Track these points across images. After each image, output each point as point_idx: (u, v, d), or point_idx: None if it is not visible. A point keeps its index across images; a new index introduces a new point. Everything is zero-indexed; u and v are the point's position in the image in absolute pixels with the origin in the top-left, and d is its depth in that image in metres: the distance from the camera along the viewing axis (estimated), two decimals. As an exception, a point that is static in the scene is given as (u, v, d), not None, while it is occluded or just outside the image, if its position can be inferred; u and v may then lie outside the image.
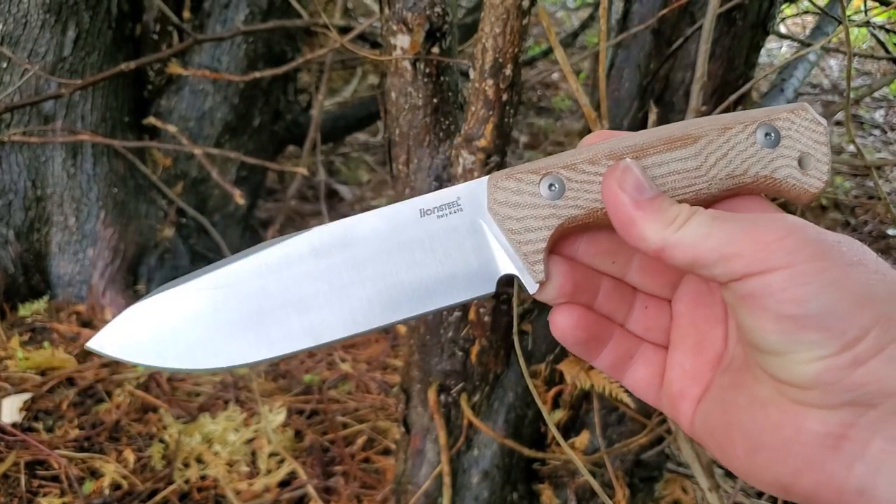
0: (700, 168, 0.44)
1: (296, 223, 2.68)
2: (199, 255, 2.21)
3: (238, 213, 2.35)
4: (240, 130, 2.26)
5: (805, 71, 2.08)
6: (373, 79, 3.53)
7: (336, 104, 3.27)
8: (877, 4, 1.92)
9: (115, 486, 1.48)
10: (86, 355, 1.82)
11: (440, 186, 1.05)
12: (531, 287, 0.45)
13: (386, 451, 1.63)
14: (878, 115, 4.07)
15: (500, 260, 0.46)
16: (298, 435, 1.66)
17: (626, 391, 1.11)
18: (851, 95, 1.02)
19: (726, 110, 1.03)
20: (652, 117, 1.02)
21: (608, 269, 0.48)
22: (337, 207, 2.85)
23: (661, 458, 1.35)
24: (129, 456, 1.54)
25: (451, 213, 0.47)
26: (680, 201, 0.42)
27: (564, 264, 0.46)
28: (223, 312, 0.45)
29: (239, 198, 1.72)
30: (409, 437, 1.23)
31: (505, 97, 0.91)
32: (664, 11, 1.15)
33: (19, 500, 1.42)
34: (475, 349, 1.15)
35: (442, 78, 1.01)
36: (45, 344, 1.84)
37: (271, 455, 1.58)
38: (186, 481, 1.50)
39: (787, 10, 2.63)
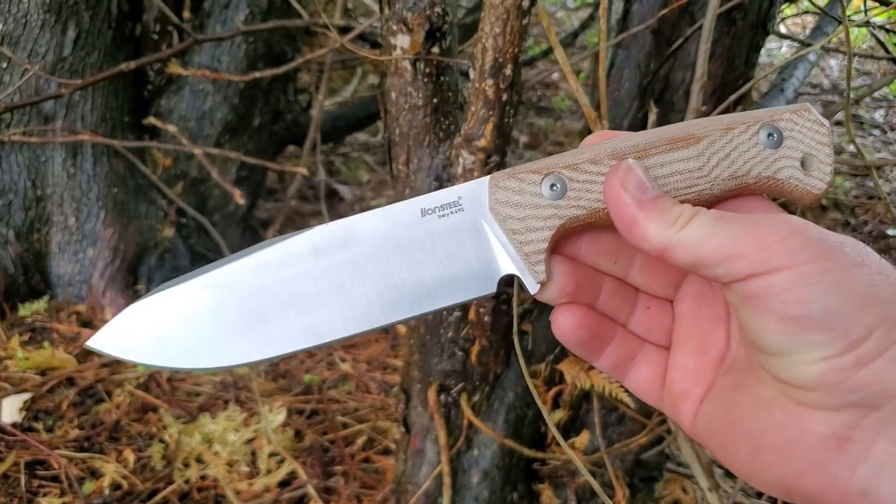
0: (702, 168, 0.44)
1: (296, 223, 2.68)
2: (199, 255, 2.20)
3: (238, 213, 2.35)
4: (240, 130, 2.26)
5: (805, 71, 2.08)
6: (373, 79, 3.53)
7: (336, 104, 3.27)
8: (877, 4, 1.92)
9: (115, 486, 1.48)
10: (86, 355, 1.82)
11: (440, 186, 1.05)
12: (532, 287, 0.45)
13: (386, 451, 1.63)
14: (878, 115, 4.07)
15: (502, 260, 0.46)
16: (298, 435, 1.66)
17: (626, 391, 1.11)
18: (851, 95, 1.02)
19: (726, 110, 1.03)
20: (652, 117, 1.02)
21: (610, 269, 0.48)
22: (337, 207, 2.85)
23: (661, 458, 1.35)
24: (129, 456, 1.54)
25: (452, 212, 0.46)
26: (682, 202, 0.42)
27: (566, 264, 0.46)
28: (223, 312, 0.45)
29: (239, 198, 1.72)
30: (409, 437, 1.23)
31: (505, 97, 0.91)
32: (664, 11, 1.15)
33: (19, 500, 1.42)
34: (475, 349, 1.15)
35: (442, 78, 1.01)
36: (45, 344, 1.84)
37: (271, 455, 1.58)
38: (186, 481, 1.50)
39: (787, 10, 2.63)
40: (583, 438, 1.26)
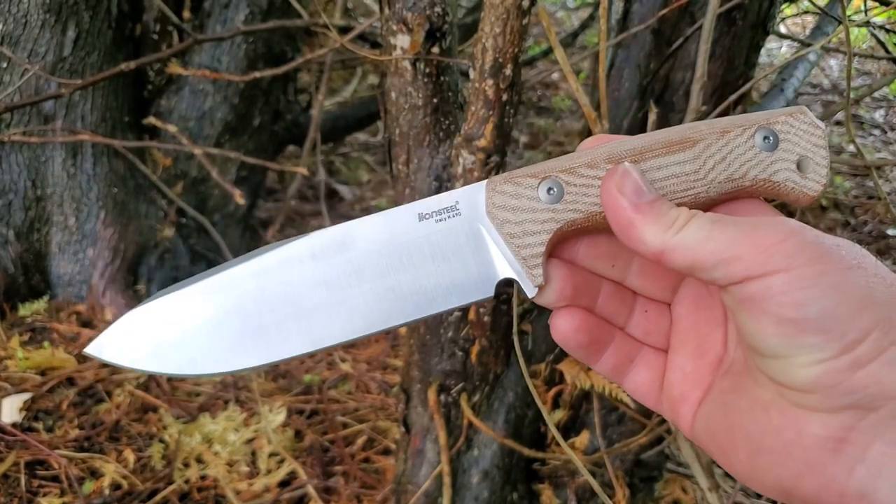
0: (699, 171, 0.44)
1: (296, 223, 2.68)
2: (199, 255, 2.20)
3: (238, 213, 2.35)
4: (240, 130, 2.26)
5: (805, 71, 2.09)
6: (373, 79, 3.53)
7: (336, 104, 3.27)
8: (877, 4, 1.92)
9: (115, 486, 1.48)
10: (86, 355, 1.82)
11: (440, 186, 1.05)
12: (530, 291, 0.45)
13: (386, 451, 1.63)
14: (878, 115, 4.07)
15: (499, 264, 0.46)
16: (298, 435, 1.66)
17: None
18: (851, 95, 1.02)
19: (726, 110, 1.03)
20: (652, 117, 1.02)
21: (608, 272, 0.48)
22: (337, 207, 2.85)
23: (661, 458, 1.35)
24: (129, 456, 1.54)
25: (449, 217, 0.46)
26: (679, 205, 0.42)
27: (564, 268, 0.46)
28: (222, 317, 0.45)
29: (239, 198, 1.72)
30: (409, 437, 1.23)
31: (505, 97, 0.91)
32: (664, 11, 1.15)
33: (19, 500, 1.42)
34: (475, 349, 1.15)
35: (442, 78, 1.01)
36: (45, 344, 1.84)
37: (271, 455, 1.58)
38: (186, 481, 1.50)
39: (787, 10, 2.63)
40: (583, 438, 1.26)
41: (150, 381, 1.78)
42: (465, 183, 0.98)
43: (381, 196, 3.01)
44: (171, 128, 1.98)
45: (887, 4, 1.69)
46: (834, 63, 4.66)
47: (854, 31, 3.32)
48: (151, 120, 2.11)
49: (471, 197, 0.46)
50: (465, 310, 1.11)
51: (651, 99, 1.20)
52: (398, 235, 0.46)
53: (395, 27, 0.98)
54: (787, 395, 0.38)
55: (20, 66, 1.87)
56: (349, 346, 1.98)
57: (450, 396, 1.18)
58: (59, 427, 1.61)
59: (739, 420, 0.41)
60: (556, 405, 1.26)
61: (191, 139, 2.04)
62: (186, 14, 2.15)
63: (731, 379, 0.44)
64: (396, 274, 0.46)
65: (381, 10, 1.01)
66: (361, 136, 3.46)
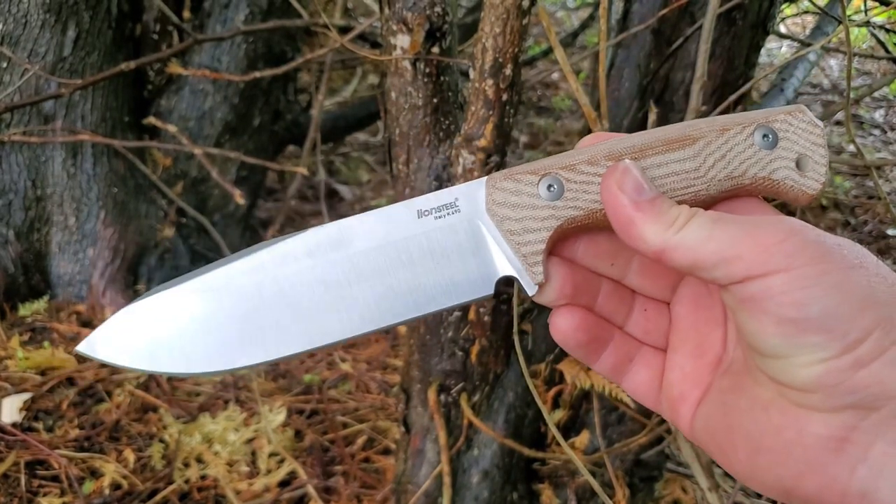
0: (699, 169, 0.44)
1: (296, 223, 2.68)
2: (199, 254, 2.20)
3: (238, 213, 2.35)
4: (240, 130, 2.26)
5: (805, 71, 2.09)
6: (373, 79, 3.53)
7: (336, 104, 3.27)
8: (877, 4, 1.92)
9: (115, 486, 1.48)
10: (86, 355, 1.82)
11: (440, 186, 1.05)
12: (530, 289, 0.45)
13: (386, 451, 1.63)
14: (878, 115, 4.07)
15: (499, 262, 0.46)
16: (298, 435, 1.66)
17: (626, 391, 1.11)
18: (851, 95, 1.02)
19: (726, 110, 1.03)
20: (652, 117, 1.02)
21: (607, 271, 0.48)
22: (337, 207, 2.85)
23: (661, 457, 1.35)
24: (129, 456, 1.54)
25: (449, 214, 0.46)
26: (679, 203, 0.42)
27: (564, 266, 0.46)
28: (217, 315, 0.45)
29: (239, 198, 1.72)
30: (409, 437, 1.23)
31: (505, 97, 0.91)
32: (664, 11, 1.15)
33: (19, 500, 1.42)
34: (475, 349, 1.15)
35: (442, 78, 1.01)
36: (45, 344, 1.84)
37: (271, 455, 1.58)
38: (186, 481, 1.50)
39: (787, 10, 2.63)
40: (583, 438, 1.26)
41: (150, 381, 1.78)
42: (466, 183, 0.97)
43: (381, 196, 3.01)
44: (171, 128, 1.98)
45: (887, 4, 1.69)
46: (834, 63, 4.66)
47: (854, 31, 3.32)
48: (151, 120, 2.11)
49: (470, 194, 0.46)
50: (465, 309, 1.11)
51: (651, 99, 1.20)
52: (396, 232, 0.46)
53: (395, 27, 0.98)
54: (787, 395, 0.38)
55: (20, 66, 1.87)
56: (349, 346, 1.98)
57: (450, 396, 1.18)
58: (59, 427, 1.61)
59: (739, 419, 0.41)
60: (556, 405, 1.26)
61: (191, 139, 2.04)
62: (186, 14, 2.15)
63: (730, 378, 0.43)
64: (395, 272, 0.45)
65: (381, 10, 1.01)
66: (361, 136, 3.46)
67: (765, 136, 0.45)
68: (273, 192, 2.94)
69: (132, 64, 1.81)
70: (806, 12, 2.87)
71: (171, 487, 1.48)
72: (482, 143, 0.95)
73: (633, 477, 1.31)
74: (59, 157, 1.99)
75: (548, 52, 3.23)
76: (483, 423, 1.18)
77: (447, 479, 1.18)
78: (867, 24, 1.97)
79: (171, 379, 1.79)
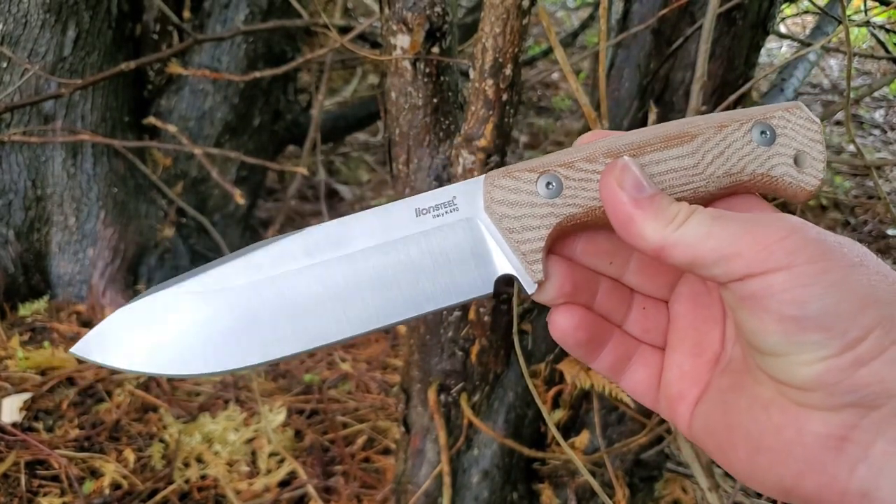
0: (697, 166, 0.44)
1: (296, 223, 2.68)
2: (199, 254, 2.20)
3: (238, 213, 2.35)
4: (240, 130, 2.26)
5: (805, 71, 2.08)
6: (373, 79, 3.53)
7: (336, 104, 3.27)
8: (877, 4, 1.92)
9: (116, 486, 1.48)
10: (86, 355, 1.82)
11: (440, 186, 1.05)
12: (530, 287, 0.45)
13: (386, 451, 1.63)
14: (878, 115, 4.07)
15: (498, 260, 0.45)
16: (298, 435, 1.66)
17: (626, 391, 1.11)
18: (851, 95, 1.02)
19: (726, 110, 1.03)
20: (652, 117, 1.02)
21: (606, 269, 0.48)
22: (337, 207, 2.85)
23: (661, 457, 1.35)
24: (130, 456, 1.54)
25: (447, 212, 0.46)
26: (678, 200, 0.42)
27: (563, 264, 0.46)
28: (214, 316, 0.44)
29: (239, 198, 1.72)
30: (409, 437, 1.23)
31: (505, 97, 0.91)
32: (664, 11, 1.15)
33: (19, 500, 1.42)
34: (475, 349, 1.15)
35: (442, 78, 1.01)
36: (46, 344, 1.84)
37: (271, 455, 1.58)
38: (186, 481, 1.50)
39: (787, 9, 2.63)
40: (583, 438, 1.26)
41: (150, 381, 1.78)
42: (466, 183, 0.97)
43: (381, 196, 3.01)
44: (171, 128, 1.98)
45: (887, 4, 1.69)
46: (834, 63, 4.66)
47: (854, 30, 3.32)
48: (151, 120, 2.11)
49: (469, 192, 0.46)
50: (464, 309, 1.11)
51: (651, 99, 1.20)
52: (395, 231, 0.45)
53: (395, 27, 0.98)
54: (787, 394, 0.38)
55: (20, 66, 1.87)
56: (349, 346, 1.98)
57: (450, 396, 1.18)
58: (59, 427, 1.61)
59: (738, 419, 0.41)
60: (556, 405, 1.26)
61: (191, 139, 2.03)
62: (186, 14, 2.15)
63: (729, 377, 0.43)
64: (393, 271, 0.45)
65: (381, 10, 1.01)
66: (361, 136, 3.46)
67: (762, 132, 0.45)
68: (273, 192, 2.94)
69: (132, 64, 1.81)
70: (806, 12, 2.87)
71: (171, 487, 1.48)
72: (482, 143, 0.95)
73: (633, 477, 1.31)
74: (59, 157, 1.99)
75: (548, 52, 3.23)
76: (483, 423, 1.18)
77: (447, 479, 1.18)
78: (867, 24, 1.97)
79: (172, 379, 1.79)
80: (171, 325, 0.44)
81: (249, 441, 1.61)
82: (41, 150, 1.98)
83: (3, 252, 1.97)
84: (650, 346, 0.48)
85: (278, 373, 1.88)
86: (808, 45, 2.02)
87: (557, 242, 0.46)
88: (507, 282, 0.46)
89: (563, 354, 1.21)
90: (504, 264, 0.45)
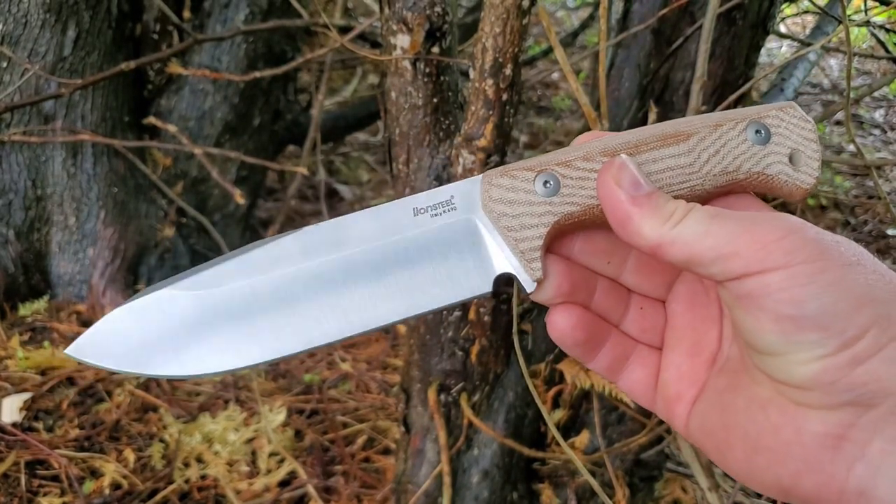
0: (694, 164, 0.44)
1: (296, 223, 2.68)
2: (199, 254, 2.21)
3: (238, 213, 2.35)
4: (240, 130, 2.26)
5: (805, 71, 2.08)
6: (373, 79, 3.53)
7: (336, 104, 3.27)
8: (877, 4, 1.92)
9: (116, 486, 1.48)
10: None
11: (440, 186, 1.05)
12: (528, 285, 0.45)
13: (386, 451, 1.63)
14: (878, 115, 4.06)
15: (497, 259, 0.45)
16: (298, 434, 1.66)
17: (626, 391, 1.11)
18: (851, 95, 1.02)
19: (726, 110, 1.03)
20: (652, 117, 1.02)
21: (603, 269, 0.48)
22: (337, 207, 2.85)
23: (661, 457, 1.35)
24: (130, 455, 1.54)
25: (445, 211, 0.45)
26: (675, 198, 0.42)
27: (561, 263, 0.46)
28: (210, 316, 0.43)
29: (239, 197, 1.72)
30: (409, 437, 1.23)
31: (505, 97, 0.91)
32: (664, 11, 1.15)
33: (19, 500, 1.42)
34: (475, 349, 1.15)
35: (442, 78, 1.01)
36: (46, 343, 1.84)
37: (271, 455, 1.58)
38: (186, 481, 1.50)
39: (787, 9, 2.63)
40: (583, 438, 1.26)
41: (150, 381, 1.78)
42: (465, 182, 0.97)
43: (381, 196, 3.01)
44: (171, 127, 1.98)
45: (887, 4, 1.69)
46: (834, 63, 4.66)
47: (854, 30, 3.32)
48: (151, 120, 2.11)
49: (466, 191, 0.46)
50: (464, 309, 1.11)
51: (651, 99, 1.20)
52: (392, 231, 0.45)
53: (395, 27, 0.98)
54: (785, 393, 0.38)
55: (20, 65, 1.87)
56: (349, 346, 1.98)
57: (450, 396, 1.18)
58: (60, 427, 1.61)
59: (736, 418, 0.41)
60: (556, 405, 1.26)
61: (191, 139, 2.04)
62: (186, 14, 2.16)
63: (726, 377, 0.43)
64: (392, 270, 0.45)
65: (381, 9, 1.01)
66: (361, 136, 3.46)
67: (757, 131, 0.45)
68: (273, 191, 2.94)
69: (132, 64, 1.81)
70: (806, 12, 2.88)
71: (171, 487, 1.48)
72: (482, 142, 0.95)
73: (633, 477, 1.31)
74: (59, 157, 1.99)
75: (548, 52, 3.23)
76: (483, 423, 1.18)
77: (447, 479, 1.18)
78: (867, 23, 1.97)
79: (171, 379, 1.79)
80: (168, 326, 0.43)
81: (249, 441, 1.61)
82: (41, 149, 1.98)
83: (3, 252, 1.97)
84: (647, 346, 0.48)
85: (278, 373, 1.88)
86: (808, 45, 2.02)
87: (555, 242, 0.46)
88: (506, 281, 0.46)
89: (562, 354, 1.21)
90: (503, 263, 0.45)
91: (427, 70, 0.99)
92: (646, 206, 0.41)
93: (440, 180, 1.06)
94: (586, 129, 1.12)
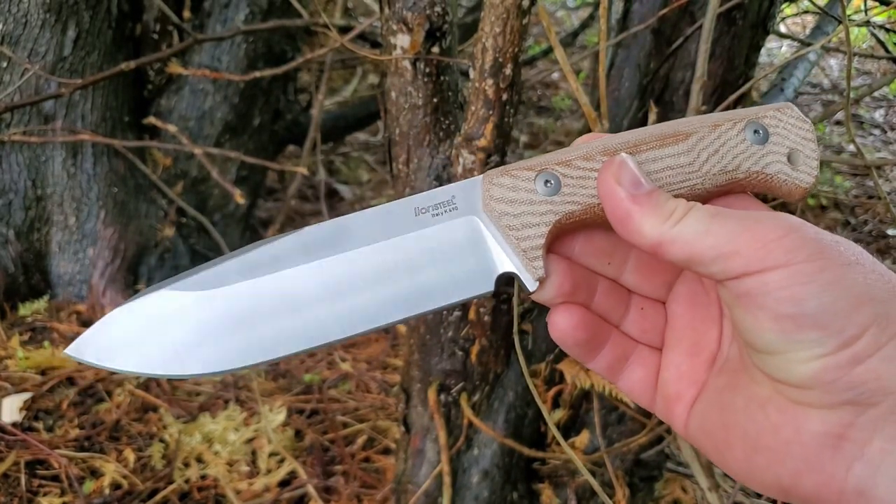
0: (693, 164, 0.45)
1: (296, 223, 2.68)
2: (199, 254, 2.21)
3: (238, 213, 2.35)
4: (240, 130, 2.26)
5: (805, 70, 2.09)
6: (373, 78, 3.53)
7: (336, 104, 3.27)
8: (877, 4, 1.92)
9: (116, 486, 1.48)
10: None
11: (440, 186, 1.05)
12: (530, 284, 0.45)
13: (386, 451, 1.63)
14: (878, 115, 4.06)
15: (498, 258, 0.45)
16: (298, 434, 1.66)
17: (626, 391, 1.11)
18: (851, 95, 1.02)
19: (726, 110, 1.03)
20: (652, 117, 1.02)
21: (604, 270, 0.48)
22: (337, 207, 2.85)
23: (661, 457, 1.35)
24: (130, 455, 1.54)
25: (446, 211, 0.46)
26: (675, 197, 0.42)
27: (563, 263, 0.46)
28: (211, 315, 0.43)
29: (239, 197, 1.72)
30: (409, 437, 1.23)
31: (505, 97, 0.91)
32: (664, 11, 1.15)
33: (19, 500, 1.42)
34: (475, 349, 1.15)
35: (442, 77, 1.01)
36: (46, 343, 1.84)
37: (271, 455, 1.58)
38: (186, 481, 1.50)
39: (787, 9, 2.63)
40: (583, 438, 1.26)
41: (150, 381, 1.78)
42: (465, 182, 0.97)
43: (381, 196, 3.01)
44: (171, 127, 1.98)
45: (887, 4, 1.69)
46: (834, 63, 4.66)
47: (854, 30, 3.32)
48: (151, 120, 2.11)
49: (467, 191, 0.46)
50: (465, 309, 1.11)
51: (651, 98, 1.20)
52: (394, 230, 0.45)
53: (395, 27, 0.98)
54: (784, 392, 0.38)
55: (20, 65, 1.87)
56: (349, 346, 1.98)
57: (450, 396, 1.18)
58: (60, 427, 1.61)
59: (736, 418, 0.41)
60: (556, 405, 1.26)
61: (191, 139, 2.04)
62: (186, 14, 2.16)
63: (726, 376, 0.43)
64: (393, 270, 0.45)
65: (381, 9, 1.01)
66: (361, 136, 3.46)
67: (755, 131, 0.45)
68: (273, 191, 2.94)
69: (132, 64, 1.81)
70: (806, 12, 2.88)
71: (171, 487, 1.48)
72: (482, 142, 0.95)
73: (633, 477, 1.31)
74: (59, 157, 1.99)
75: (548, 52, 3.23)
76: (483, 423, 1.18)
77: (447, 479, 1.18)
78: (867, 23, 1.98)
79: (171, 379, 1.79)
80: (168, 325, 0.43)
81: (249, 441, 1.61)
82: (41, 149, 1.98)
83: (3, 252, 1.97)
84: (648, 346, 0.48)
85: (278, 373, 1.88)
86: (808, 44, 2.02)
87: (556, 242, 0.47)
88: (507, 281, 0.46)
89: (563, 354, 1.21)
90: (504, 262, 0.45)
91: (427, 70, 0.99)
92: (646, 204, 0.41)
93: (440, 180, 1.06)
94: (586, 128, 1.12)
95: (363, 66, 3.45)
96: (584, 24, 3.48)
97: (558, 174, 0.45)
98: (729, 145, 0.45)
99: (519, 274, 0.45)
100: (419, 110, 1.02)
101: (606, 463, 1.21)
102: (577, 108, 3.75)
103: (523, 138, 3.57)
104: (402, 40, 0.98)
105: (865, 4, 2.11)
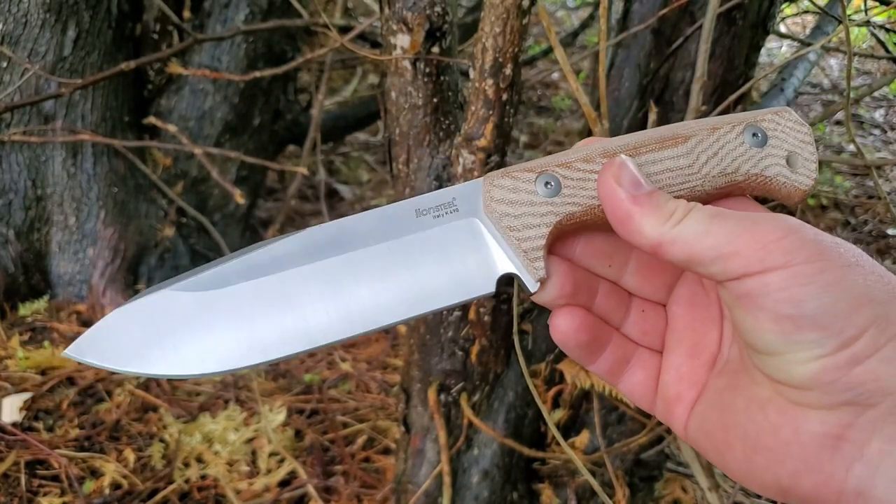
0: (693, 166, 0.45)
1: (296, 223, 2.68)
2: (199, 254, 2.21)
3: (238, 213, 2.35)
4: (240, 130, 2.26)
5: (805, 70, 2.09)
6: (373, 78, 3.53)
7: (336, 104, 3.27)
8: (877, 4, 1.92)
9: (116, 486, 1.48)
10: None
11: (440, 186, 1.05)
12: (531, 285, 0.45)
13: (386, 451, 1.63)
14: (878, 115, 4.06)
15: (499, 259, 0.45)
16: (298, 434, 1.66)
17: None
18: (851, 95, 1.02)
19: (726, 110, 1.03)
20: (652, 117, 1.02)
21: (604, 272, 0.48)
22: (337, 207, 2.85)
23: (661, 457, 1.35)
24: (130, 455, 1.54)
25: (447, 212, 0.46)
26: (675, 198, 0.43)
27: (563, 264, 0.46)
28: (212, 316, 0.43)
29: (239, 197, 1.72)
30: (409, 437, 1.23)
31: (505, 97, 0.91)
32: (664, 11, 1.15)
33: (19, 500, 1.42)
34: (475, 349, 1.15)
35: (442, 78, 1.01)
36: (46, 343, 1.84)
37: (271, 454, 1.58)
38: (186, 481, 1.50)
39: (787, 9, 2.63)
40: (583, 438, 1.26)
41: (150, 381, 1.78)
42: (465, 182, 0.97)
43: (381, 196, 3.01)
44: (171, 127, 1.98)
45: (887, 4, 1.69)
46: (834, 63, 4.66)
47: (854, 30, 3.32)
48: (151, 120, 2.11)
49: (468, 193, 0.46)
50: (465, 309, 1.11)
51: (651, 99, 1.20)
52: (395, 232, 0.45)
53: (395, 27, 0.98)
54: (784, 393, 0.38)
55: (20, 65, 1.87)
56: (349, 346, 1.98)
57: (450, 396, 1.18)
58: (60, 427, 1.61)
59: (735, 419, 0.41)
60: (556, 405, 1.26)
61: (191, 139, 2.04)
62: (186, 14, 2.16)
63: (726, 377, 0.43)
64: (394, 271, 0.45)
65: (381, 9, 1.01)
66: (361, 136, 3.46)
67: (754, 134, 0.46)
68: (273, 191, 2.94)
69: (132, 64, 1.81)
70: (806, 12, 2.88)
71: (171, 487, 1.48)
72: (482, 142, 0.95)
73: (633, 477, 1.31)
74: (59, 157, 1.99)
75: (548, 52, 3.23)
76: (483, 423, 1.18)
77: (447, 479, 1.18)
78: (867, 23, 1.98)
79: (171, 379, 1.79)
80: (169, 326, 0.43)
81: (249, 441, 1.61)
82: (41, 149, 1.98)
83: (3, 252, 1.97)
84: (648, 349, 0.48)
85: (278, 373, 1.88)
86: (808, 44, 2.02)
87: (556, 245, 0.47)
88: (507, 281, 0.46)
89: (562, 354, 1.21)
90: (505, 263, 0.45)
91: (427, 70, 0.99)
92: (646, 204, 0.41)
93: (440, 180, 1.06)
94: (586, 128, 1.12)
95: (363, 66, 3.45)
96: (584, 24, 3.48)
97: (559, 176, 0.45)
98: (728, 148, 0.45)
99: (520, 275, 0.45)
100: (419, 110, 1.02)
101: (606, 463, 1.21)
102: (577, 108, 3.75)
103: (523, 138, 3.57)
104: (402, 40, 0.98)
105: (865, 4, 2.11)
